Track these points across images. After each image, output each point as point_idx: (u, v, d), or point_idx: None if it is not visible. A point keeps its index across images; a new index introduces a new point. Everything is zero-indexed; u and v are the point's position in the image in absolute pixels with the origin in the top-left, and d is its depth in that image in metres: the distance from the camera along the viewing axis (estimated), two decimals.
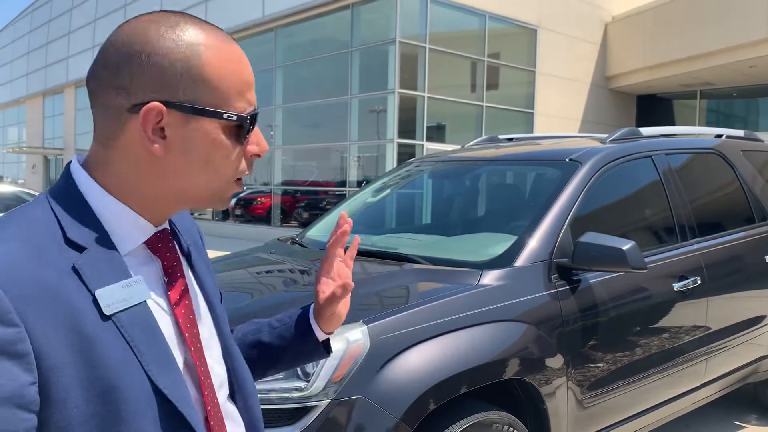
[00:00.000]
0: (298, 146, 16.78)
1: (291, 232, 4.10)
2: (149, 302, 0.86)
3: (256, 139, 0.91)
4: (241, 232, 16.98)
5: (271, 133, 17.01)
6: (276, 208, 16.89)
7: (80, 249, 0.82)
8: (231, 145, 0.87)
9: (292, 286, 2.81)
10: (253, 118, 0.89)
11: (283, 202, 16.79)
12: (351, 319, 2.26)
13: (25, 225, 0.81)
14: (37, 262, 0.77)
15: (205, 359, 0.92)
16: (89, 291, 0.80)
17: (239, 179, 0.92)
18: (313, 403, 2.07)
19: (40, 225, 0.82)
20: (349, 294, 1.18)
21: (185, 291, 0.93)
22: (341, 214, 1.21)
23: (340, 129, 14.94)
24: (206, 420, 0.91)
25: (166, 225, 0.94)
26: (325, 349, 1.24)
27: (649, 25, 16.08)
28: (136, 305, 0.83)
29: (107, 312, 0.80)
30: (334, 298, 1.16)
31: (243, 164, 0.91)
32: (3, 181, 14.61)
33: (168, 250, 0.92)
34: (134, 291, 0.84)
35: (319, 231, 3.83)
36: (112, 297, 0.81)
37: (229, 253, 4.03)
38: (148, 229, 0.90)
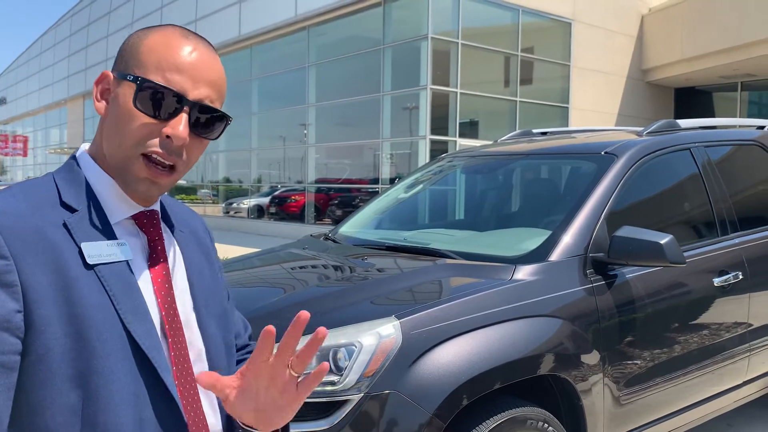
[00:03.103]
0: (331, 144, 16.85)
1: (324, 229, 4.12)
2: (131, 266, 0.97)
3: (176, 123, 0.94)
4: (275, 230, 17.14)
5: (305, 131, 17.12)
6: (309, 205, 16.99)
7: (72, 210, 0.94)
8: (138, 113, 0.94)
9: (324, 281, 2.82)
10: (158, 93, 0.93)
11: (316, 199, 16.88)
12: (383, 313, 2.26)
13: (28, 188, 0.96)
14: (32, 213, 0.90)
15: (178, 324, 1.00)
16: (76, 243, 0.91)
17: (148, 159, 0.95)
18: (346, 397, 2.08)
19: (40, 188, 0.96)
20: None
21: (164, 263, 1.02)
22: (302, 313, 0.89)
23: (372, 126, 14.95)
24: (174, 377, 0.97)
25: (156, 208, 1.05)
26: None
27: (687, 16, 15.71)
28: (117, 262, 0.94)
29: (90, 262, 0.91)
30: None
31: (153, 140, 0.95)
32: None
33: (152, 227, 1.03)
34: (118, 251, 0.95)
35: (351, 227, 3.83)
36: (96, 251, 0.93)
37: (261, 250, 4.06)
38: (135, 206, 1.01)
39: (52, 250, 0.88)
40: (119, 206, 1.00)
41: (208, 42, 1.02)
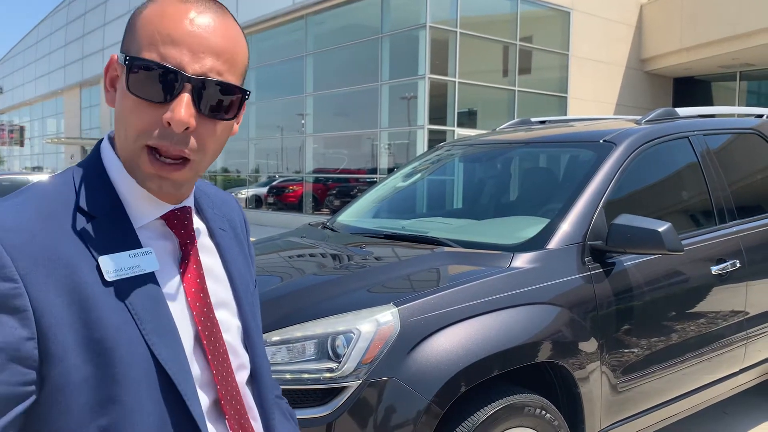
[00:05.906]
0: (329, 134, 16.82)
1: (322, 218, 4.12)
2: (159, 276, 0.86)
3: (176, 106, 0.81)
4: (273, 220, 17.13)
5: (302, 121, 17.08)
6: (308, 196, 16.98)
7: (90, 217, 0.83)
8: (135, 99, 0.82)
9: (322, 269, 2.81)
10: (150, 72, 0.80)
11: (314, 189, 16.88)
12: (382, 300, 2.26)
13: (42, 192, 0.84)
14: (44, 226, 0.79)
15: (218, 336, 0.91)
16: (93, 257, 0.81)
17: (151, 150, 0.83)
18: (345, 384, 2.08)
19: (55, 193, 0.84)
20: None
21: (198, 268, 0.91)
22: None
23: (370, 116, 14.92)
24: (219, 396, 0.90)
25: (189, 203, 0.93)
26: None
27: (686, 6, 15.66)
28: (141, 275, 0.83)
29: (108, 278, 0.80)
30: None
31: (155, 130, 0.82)
32: (43, 172, 15.00)
33: (183, 227, 0.91)
34: (141, 261, 0.84)
35: (349, 216, 3.83)
36: (116, 264, 0.82)
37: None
38: (163, 205, 0.90)
39: (66, 267, 0.78)
40: (145, 207, 0.88)
41: (218, 3, 0.87)
